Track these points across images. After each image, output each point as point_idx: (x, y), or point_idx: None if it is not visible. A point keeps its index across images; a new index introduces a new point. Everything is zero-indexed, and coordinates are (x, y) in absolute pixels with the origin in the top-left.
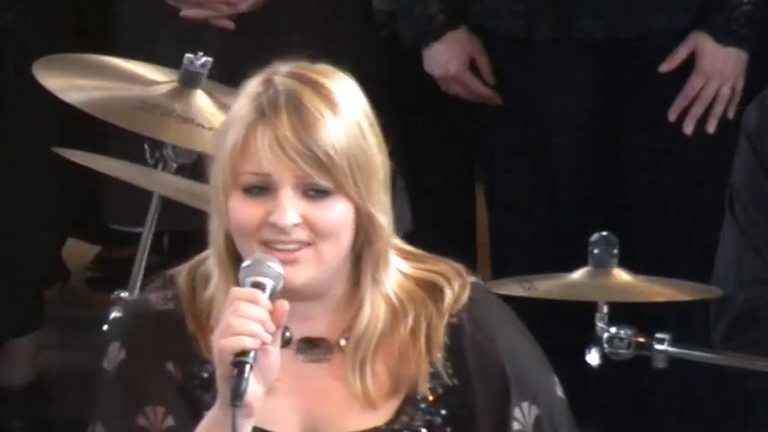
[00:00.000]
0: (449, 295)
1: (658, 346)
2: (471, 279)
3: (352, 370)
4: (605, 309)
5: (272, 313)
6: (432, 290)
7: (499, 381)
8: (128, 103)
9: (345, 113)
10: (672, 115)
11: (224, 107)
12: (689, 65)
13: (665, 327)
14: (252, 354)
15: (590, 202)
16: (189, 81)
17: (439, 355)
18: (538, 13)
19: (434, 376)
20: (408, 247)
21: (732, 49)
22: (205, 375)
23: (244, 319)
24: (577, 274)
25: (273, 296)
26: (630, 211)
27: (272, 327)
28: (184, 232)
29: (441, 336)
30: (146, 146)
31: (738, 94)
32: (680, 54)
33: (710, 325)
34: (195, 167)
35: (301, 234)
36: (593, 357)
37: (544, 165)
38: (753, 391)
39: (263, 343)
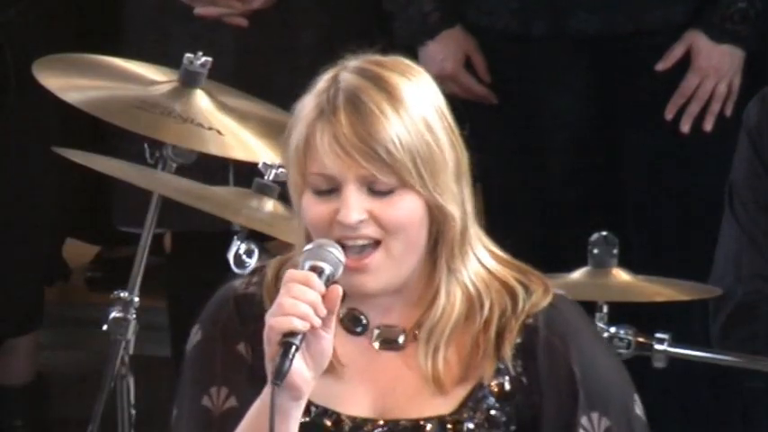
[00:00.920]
0: (525, 299)
1: (658, 346)
2: (558, 291)
3: (424, 356)
4: (605, 309)
5: (325, 297)
6: (510, 290)
7: (568, 386)
8: (128, 103)
9: (410, 108)
10: (668, 114)
11: (224, 107)
12: (686, 61)
13: (665, 327)
14: (300, 336)
15: (588, 200)
16: (189, 81)
17: (509, 353)
18: (533, 10)
19: (502, 372)
20: (497, 250)
21: (727, 46)
22: None
23: (295, 301)
24: (577, 274)
25: (330, 281)
26: (629, 210)
27: (323, 311)
28: (187, 232)
29: (514, 333)
30: (146, 146)
31: (735, 91)
32: (676, 52)
33: (709, 319)
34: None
35: (369, 229)
36: None
37: (541, 163)
38: (753, 391)
39: (313, 327)
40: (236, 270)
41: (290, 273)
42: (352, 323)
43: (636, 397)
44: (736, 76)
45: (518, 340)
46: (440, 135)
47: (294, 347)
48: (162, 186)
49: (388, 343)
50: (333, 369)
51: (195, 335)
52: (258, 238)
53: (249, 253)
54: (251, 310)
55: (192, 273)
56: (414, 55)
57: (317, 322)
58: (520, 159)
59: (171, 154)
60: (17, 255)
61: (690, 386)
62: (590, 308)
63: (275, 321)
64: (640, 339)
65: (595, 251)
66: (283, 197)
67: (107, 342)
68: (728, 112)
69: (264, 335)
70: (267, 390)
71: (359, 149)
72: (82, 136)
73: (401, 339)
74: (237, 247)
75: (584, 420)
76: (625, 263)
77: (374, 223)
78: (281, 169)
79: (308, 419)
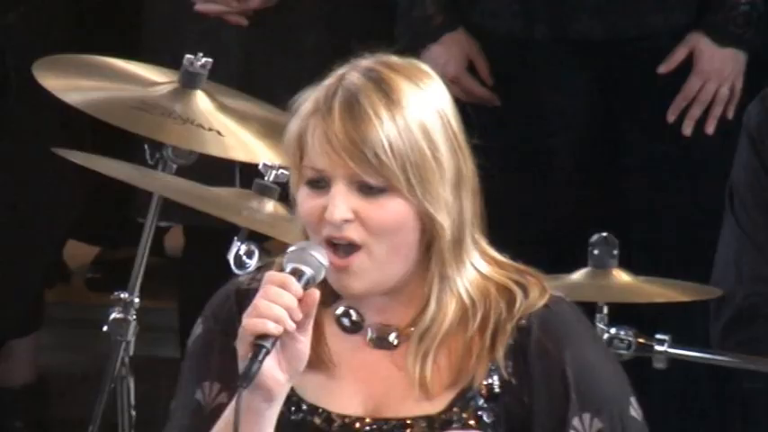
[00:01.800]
0: (522, 300)
1: (658, 347)
2: (556, 293)
3: (413, 360)
4: (605, 309)
5: (301, 301)
6: (507, 294)
7: (560, 387)
8: (128, 103)
9: (408, 113)
10: (670, 116)
11: (224, 108)
12: (688, 64)
13: (665, 327)
14: (272, 339)
15: (590, 202)
16: (189, 82)
17: (501, 353)
18: (536, 14)
19: (493, 373)
20: (495, 254)
21: (730, 49)
22: None
23: (270, 303)
24: (577, 275)
25: (310, 285)
26: (630, 212)
27: (298, 315)
28: (199, 231)
29: (507, 335)
30: (146, 146)
31: (737, 94)
32: (678, 55)
33: (709, 322)
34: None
35: (354, 233)
36: None
37: (543, 165)
38: (753, 392)
39: (287, 330)
40: (236, 271)
41: (269, 275)
42: (347, 322)
43: (632, 400)
44: (738, 79)
45: (510, 341)
46: (438, 142)
47: (264, 351)
48: (162, 187)
49: (382, 342)
50: (325, 367)
51: (197, 328)
52: (258, 238)
53: (249, 254)
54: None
55: (205, 272)
56: (416, 57)
57: (291, 326)
58: (522, 161)
59: (171, 155)
60: (17, 256)
61: (690, 386)
62: (590, 309)
63: (249, 323)
64: (641, 340)
65: (595, 252)
66: (283, 198)
67: (107, 343)
68: (730, 114)
69: (239, 334)
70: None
71: (348, 150)
72: (82, 137)
73: (394, 339)
74: (238, 248)
75: (575, 421)
76: (625, 264)
77: (359, 225)
78: (281, 170)
79: (299, 417)
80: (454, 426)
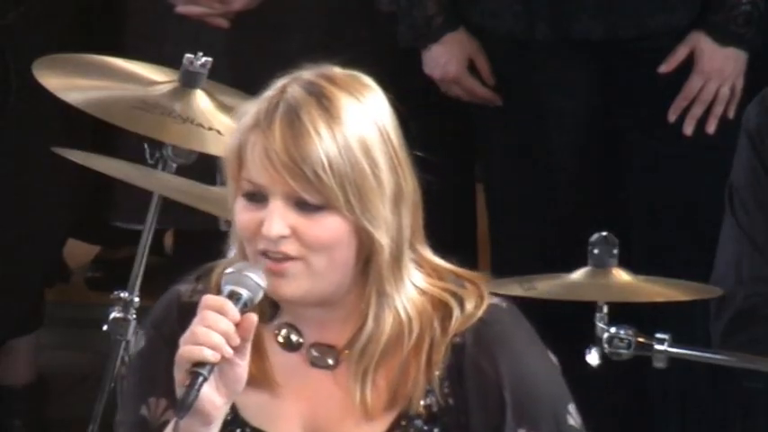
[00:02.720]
0: (457, 315)
1: (658, 346)
2: (494, 300)
3: (353, 380)
4: (605, 309)
5: (239, 326)
6: (443, 309)
7: (496, 404)
8: (128, 103)
9: (347, 129)
10: (671, 116)
11: (224, 108)
12: (689, 64)
13: (665, 327)
14: (209, 366)
15: (590, 202)
16: (189, 81)
17: (437, 374)
18: (537, 14)
19: (430, 394)
20: (437, 262)
21: (731, 48)
22: None
23: (208, 330)
24: (577, 274)
25: (248, 307)
26: (630, 212)
27: (236, 341)
28: (188, 232)
29: (441, 354)
30: (146, 146)
31: (738, 93)
32: (679, 54)
33: (709, 323)
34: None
35: (290, 247)
36: (593, 357)
37: (544, 165)
38: (753, 391)
39: (224, 357)
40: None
41: (206, 299)
42: (286, 340)
43: (570, 407)
44: (739, 79)
45: (446, 361)
46: (378, 159)
47: (202, 378)
48: (162, 186)
49: (321, 362)
50: (268, 385)
51: (140, 340)
52: None
53: None
54: (192, 320)
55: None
56: (417, 56)
57: (229, 353)
58: (523, 161)
59: (171, 154)
60: (17, 255)
61: (690, 386)
62: (590, 308)
63: (186, 350)
64: (640, 339)
65: (595, 251)
66: None
67: (107, 342)
68: (731, 114)
69: (176, 360)
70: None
71: (287, 167)
72: (82, 136)
73: (333, 359)
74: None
75: None
76: (625, 263)
77: (296, 241)
78: None
79: None
80: None
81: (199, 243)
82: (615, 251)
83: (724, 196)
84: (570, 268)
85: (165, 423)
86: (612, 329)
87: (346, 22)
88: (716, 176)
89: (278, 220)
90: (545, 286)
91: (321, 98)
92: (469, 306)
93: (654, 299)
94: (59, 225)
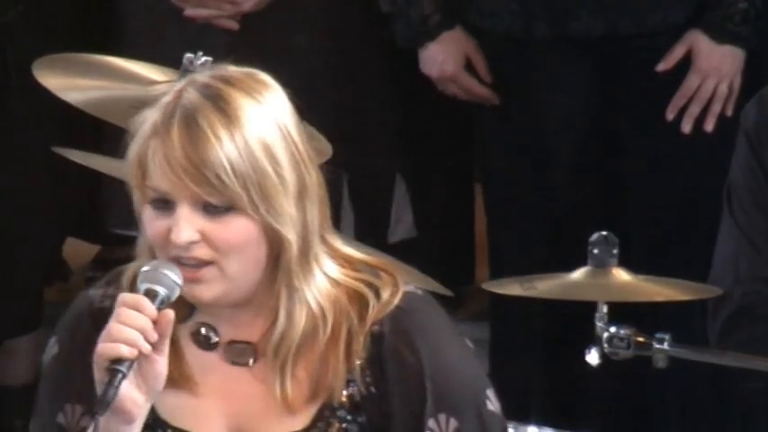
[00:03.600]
0: (374, 304)
1: (658, 346)
2: (409, 288)
3: (272, 375)
4: (605, 308)
5: (156, 322)
6: (358, 299)
7: (417, 391)
8: (128, 103)
9: (246, 130)
10: (669, 114)
11: None
12: (687, 62)
13: (665, 327)
14: (127, 363)
15: (589, 201)
16: None
17: (357, 363)
18: (535, 12)
19: (352, 384)
20: (350, 252)
21: (728, 46)
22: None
23: (124, 327)
24: (577, 274)
25: (165, 305)
26: (629, 211)
27: (154, 336)
28: None
29: (360, 344)
30: None
31: (736, 91)
32: (676, 53)
33: (707, 322)
34: None
35: (201, 252)
36: (593, 357)
37: (543, 163)
38: (753, 391)
39: (142, 353)
40: None
41: (122, 296)
42: (203, 339)
43: (489, 393)
44: (736, 77)
45: (365, 350)
46: (280, 157)
47: (120, 375)
48: None
49: (239, 359)
50: (187, 386)
51: (52, 347)
52: None
53: None
54: (105, 325)
55: None
56: (413, 55)
57: (147, 348)
58: (521, 160)
59: None
60: (17, 255)
61: (690, 386)
62: (590, 308)
63: (103, 347)
64: (640, 339)
65: (595, 251)
66: None
67: None
68: (729, 112)
69: (94, 358)
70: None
71: (188, 173)
72: (82, 136)
73: (250, 355)
74: None
75: (431, 423)
76: (625, 263)
77: (206, 245)
78: None
79: None
80: None
81: None
82: (615, 251)
83: (722, 195)
84: (570, 268)
85: (83, 430)
86: (612, 329)
87: (350, 22)
88: (715, 175)
89: (186, 226)
90: (545, 286)
91: (218, 101)
92: (385, 294)
93: (654, 299)
94: (59, 225)
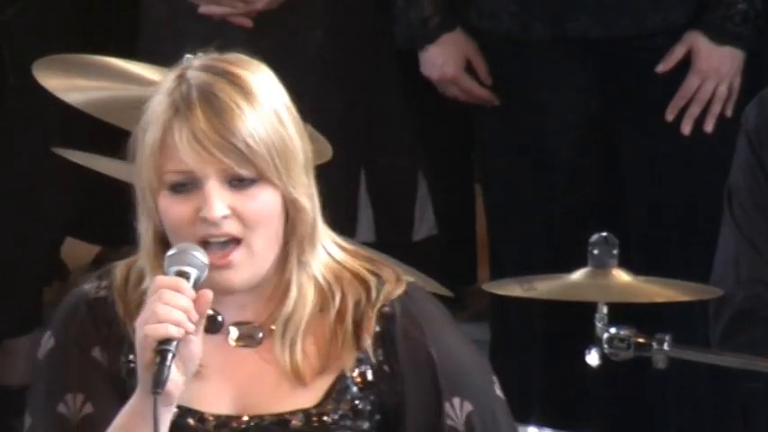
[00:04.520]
0: (379, 287)
1: (658, 347)
2: (410, 279)
3: (281, 351)
4: (605, 309)
5: (195, 302)
6: (362, 281)
7: (429, 373)
8: (128, 103)
9: (262, 102)
10: (669, 115)
11: None
12: (687, 63)
13: (665, 327)
14: (174, 342)
15: (589, 201)
16: None
17: (369, 341)
18: (533, 14)
19: (364, 362)
20: (348, 244)
21: (728, 47)
22: (132, 359)
23: (169, 307)
24: (577, 275)
25: (197, 285)
26: (629, 211)
27: (195, 316)
28: None
29: (372, 322)
30: None
31: (736, 92)
32: (676, 54)
33: (709, 324)
34: None
35: (232, 227)
36: (592, 358)
37: (543, 164)
38: (753, 391)
39: (187, 332)
40: None
41: (160, 279)
42: (208, 322)
43: (494, 379)
44: (736, 77)
45: (377, 329)
46: (289, 127)
47: (171, 354)
48: None
49: (245, 339)
50: None
51: (47, 342)
52: None
53: None
54: (104, 313)
55: None
56: (414, 57)
57: (191, 327)
58: (521, 161)
59: None
60: (16, 255)
61: (690, 386)
62: (590, 308)
63: (150, 329)
64: (640, 340)
65: (595, 251)
66: None
67: None
68: (729, 113)
69: (137, 342)
70: (137, 398)
71: (218, 144)
72: (82, 136)
73: (257, 335)
74: None
75: (446, 407)
76: (625, 263)
77: (236, 219)
78: None
79: (173, 419)
80: (331, 417)
81: None
82: (615, 251)
83: (723, 196)
84: (570, 269)
85: (86, 417)
86: (612, 330)
87: (365, 20)
88: (715, 176)
89: (218, 200)
90: (545, 286)
91: (228, 76)
92: (390, 281)
93: (654, 299)
94: (58, 225)
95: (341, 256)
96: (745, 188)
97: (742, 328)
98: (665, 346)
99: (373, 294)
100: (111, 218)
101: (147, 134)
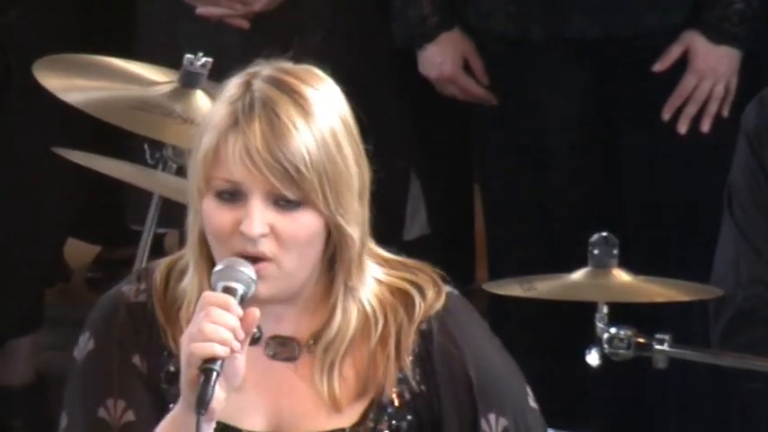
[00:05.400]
0: (420, 302)
1: (658, 347)
2: (447, 289)
3: (320, 373)
4: (605, 309)
5: (242, 320)
6: (404, 297)
7: (465, 390)
8: (128, 103)
9: (321, 124)
10: (666, 114)
11: None
12: (684, 63)
13: (665, 327)
14: (220, 361)
15: (589, 201)
16: (189, 81)
17: (408, 361)
18: (531, 14)
19: (402, 381)
20: (386, 254)
21: (725, 47)
22: (171, 369)
23: (216, 326)
24: (577, 275)
25: (244, 301)
26: (629, 211)
27: (242, 335)
28: None
29: (410, 341)
30: (146, 146)
31: (732, 92)
32: (673, 53)
33: (709, 325)
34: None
35: (267, 247)
36: (593, 358)
37: (541, 164)
38: (753, 391)
39: (233, 351)
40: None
41: (208, 296)
42: None
43: (528, 390)
44: (733, 77)
45: (414, 348)
46: (346, 150)
47: (216, 374)
48: (162, 186)
49: (282, 354)
50: None
51: (87, 343)
52: None
53: None
54: (143, 319)
55: None
56: (412, 57)
57: (237, 347)
58: (520, 161)
59: (171, 154)
60: (17, 255)
61: (690, 386)
62: (590, 308)
63: (196, 347)
64: (640, 340)
65: (595, 251)
66: None
67: None
68: (725, 112)
69: (182, 357)
70: (179, 412)
71: (268, 165)
72: (82, 136)
73: (295, 351)
74: None
75: (482, 423)
76: (625, 263)
77: (273, 239)
78: None
79: None
80: None
81: None
82: (615, 251)
83: (723, 195)
84: (570, 269)
85: (127, 425)
86: (612, 330)
87: (362, 21)
88: (715, 176)
89: (259, 218)
90: (545, 286)
91: (292, 94)
92: (430, 293)
93: (654, 299)
94: (59, 225)
95: (384, 276)
96: (745, 188)
97: (742, 328)
98: (665, 346)
99: (416, 310)
100: (111, 218)
101: (204, 138)
